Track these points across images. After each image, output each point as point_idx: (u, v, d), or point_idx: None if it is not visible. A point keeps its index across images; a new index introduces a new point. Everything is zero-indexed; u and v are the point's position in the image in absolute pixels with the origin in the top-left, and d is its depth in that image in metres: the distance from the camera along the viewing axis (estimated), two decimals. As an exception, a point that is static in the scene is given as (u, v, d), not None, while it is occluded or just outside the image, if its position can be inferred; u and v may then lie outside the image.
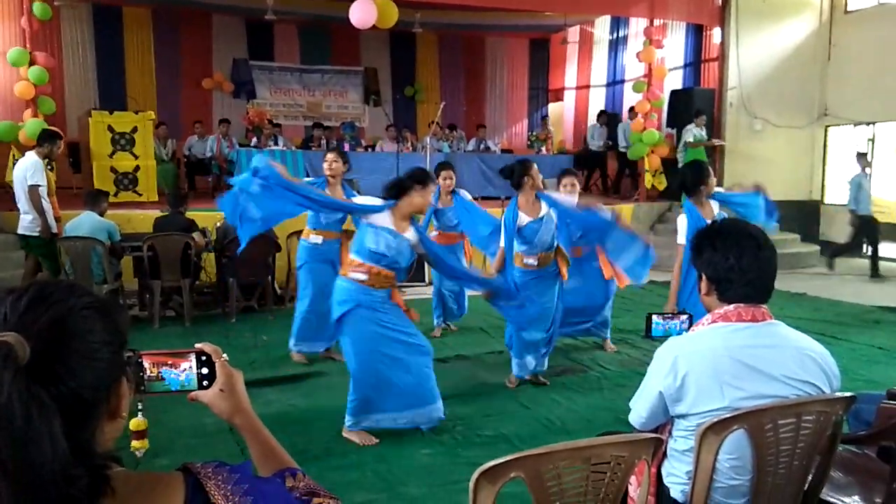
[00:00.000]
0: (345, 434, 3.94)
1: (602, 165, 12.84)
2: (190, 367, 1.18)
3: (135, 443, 1.27)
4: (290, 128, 13.38)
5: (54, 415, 0.80)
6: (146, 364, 1.16)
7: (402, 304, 3.99)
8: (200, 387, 1.19)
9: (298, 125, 13.97)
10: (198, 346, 1.20)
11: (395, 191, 3.86)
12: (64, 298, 0.91)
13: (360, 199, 4.28)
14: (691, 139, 10.69)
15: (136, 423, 1.26)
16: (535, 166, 4.70)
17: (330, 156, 5.25)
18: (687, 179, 4.43)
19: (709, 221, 4.12)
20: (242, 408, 1.22)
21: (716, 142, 11.19)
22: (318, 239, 5.22)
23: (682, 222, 4.37)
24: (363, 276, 3.81)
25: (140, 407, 1.24)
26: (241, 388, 1.23)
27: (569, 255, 4.96)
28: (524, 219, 4.64)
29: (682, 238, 4.32)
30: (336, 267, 4.82)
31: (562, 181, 5.43)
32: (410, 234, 3.88)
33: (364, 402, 3.87)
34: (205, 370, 1.19)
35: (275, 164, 3.85)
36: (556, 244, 4.80)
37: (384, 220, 3.82)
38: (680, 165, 11.32)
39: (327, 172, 5.15)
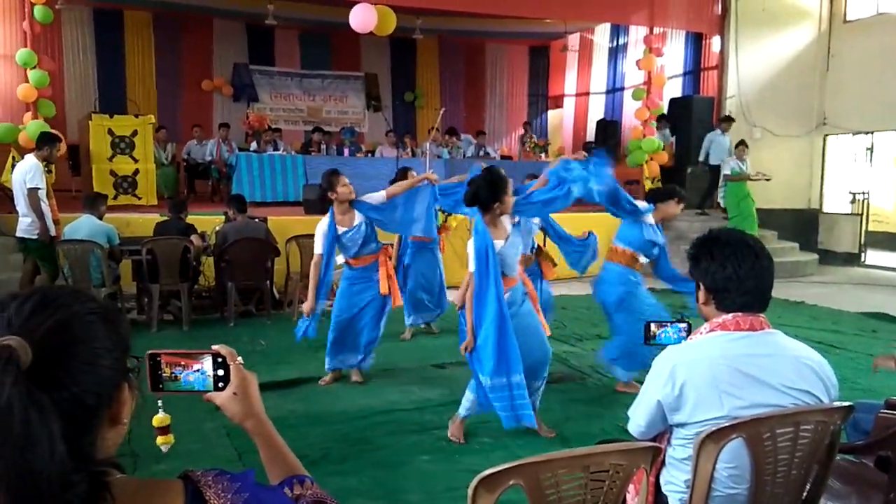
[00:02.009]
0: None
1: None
2: (205, 369, 1.20)
3: (159, 438, 1.27)
4: (290, 132, 13.41)
5: (54, 419, 0.80)
6: (163, 364, 1.19)
7: None
8: (216, 388, 1.20)
9: (298, 130, 13.99)
10: (214, 347, 1.21)
11: (660, 195, 4.69)
12: (68, 304, 0.91)
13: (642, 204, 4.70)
14: (729, 172, 10.06)
15: (159, 419, 1.27)
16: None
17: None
18: (480, 194, 3.77)
19: (500, 243, 3.76)
20: (254, 412, 1.22)
21: (760, 175, 10.09)
22: None
23: (470, 246, 3.76)
24: (644, 261, 4.59)
25: (160, 404, 1.25)
26: (255, 391, 1.23)
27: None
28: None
29: (471, 264, 3.74)
30: None
31: None
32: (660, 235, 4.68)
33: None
34: (221, 372, 1.20)
35: None
36: (535, 247, 4.82)
37: (651, 219, 4.59)
38: (721, 203, 10.60)
39: None
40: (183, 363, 1.19)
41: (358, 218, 4.84)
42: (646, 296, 4.72)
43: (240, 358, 1.23)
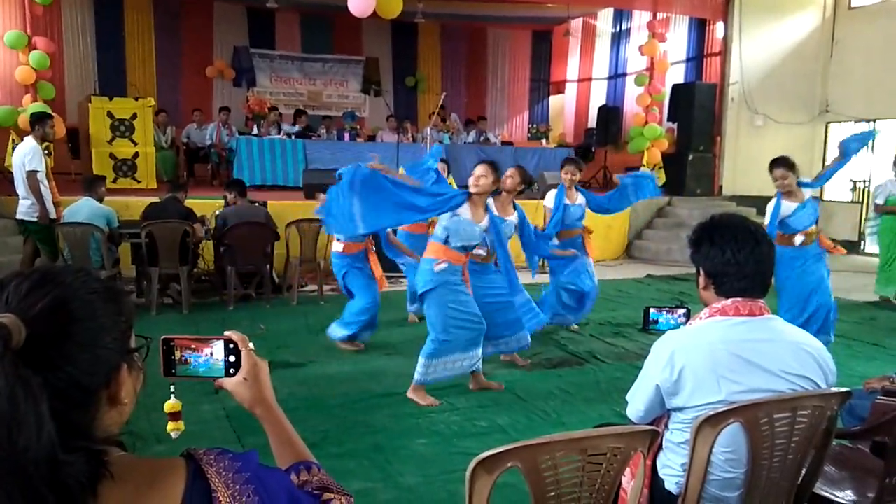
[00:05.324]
0: None
1: None
2: (216, 354, 1.20)
3: (170, 424, 1.27)
4: (289, 116, 13.36)
5: (41, 399, 0.80)
6: (175, 348, 1.19)
7: None
8: (227, 374, 1.21)
9: (298, 114, 13.96)
10: (227, 333, 1.21)
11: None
12: (67, 283, 0.91)
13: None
14: (882, 202, 7.25)
15: (171, 405, 1.27)
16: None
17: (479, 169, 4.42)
18: None
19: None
20: (264, 397, 1.23)
21: None
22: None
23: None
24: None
25: (172, 389, 1.25)
26: (265, 378, 1.24)
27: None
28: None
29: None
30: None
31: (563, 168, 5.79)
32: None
33: None
34: (232, 358, 1.20)
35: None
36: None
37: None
38: (869, 241, 9.00)
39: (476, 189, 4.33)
40: (195, 348, 1.19)
41: (513, 217, 4.93)
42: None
43: (251, 344, 1.23)
